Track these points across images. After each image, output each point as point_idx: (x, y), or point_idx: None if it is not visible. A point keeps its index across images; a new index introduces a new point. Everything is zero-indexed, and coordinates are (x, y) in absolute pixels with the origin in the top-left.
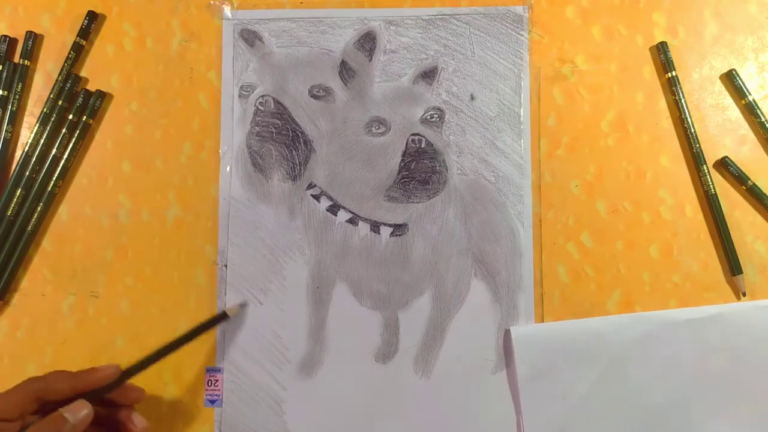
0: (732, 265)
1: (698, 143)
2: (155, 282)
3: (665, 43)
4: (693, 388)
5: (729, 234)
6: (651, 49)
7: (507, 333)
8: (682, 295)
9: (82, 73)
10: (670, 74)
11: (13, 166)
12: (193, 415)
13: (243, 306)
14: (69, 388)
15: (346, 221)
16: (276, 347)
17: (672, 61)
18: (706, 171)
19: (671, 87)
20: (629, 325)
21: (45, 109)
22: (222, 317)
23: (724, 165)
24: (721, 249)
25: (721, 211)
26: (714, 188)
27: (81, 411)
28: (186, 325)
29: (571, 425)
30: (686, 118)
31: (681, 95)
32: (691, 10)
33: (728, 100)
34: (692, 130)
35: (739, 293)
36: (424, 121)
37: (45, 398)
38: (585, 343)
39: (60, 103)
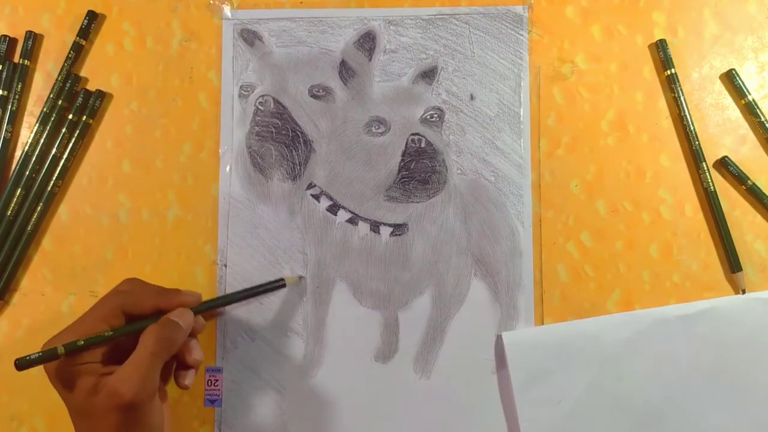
0: (731, 262)
1: (698, 140)
2: (155, 282)
3: (664, 40)
4: (687, 384)
5: (728, 230)
6: (650, 47)
7: (499, 338)
8: (682, 294)
9: (82, 73)
10: (669, 72)
11: (13, 166)
12: (193, 415)
13: (302, 278)
14: (153, 305)
15: (346, 221)
16: (276, 347)
17: (671, 58)
18: (705, 168)
19: (670, 84)
20: (621, 325)
21: (45, 109)
22: (279, 283)
23: (724, 165)
24: (720, 246)
25: (720, 207)
26: (713, 185)
27: (188, 317)
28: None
29: (568, 428)
30: (685, 116)
31: (680, 93)
32: (690, 10)
33: (728, 100)
34: (691, 128)
35: (738, 290)
36: (423, 120)
37: (130, 312)
38: (578, 345)
39: (60, 102)
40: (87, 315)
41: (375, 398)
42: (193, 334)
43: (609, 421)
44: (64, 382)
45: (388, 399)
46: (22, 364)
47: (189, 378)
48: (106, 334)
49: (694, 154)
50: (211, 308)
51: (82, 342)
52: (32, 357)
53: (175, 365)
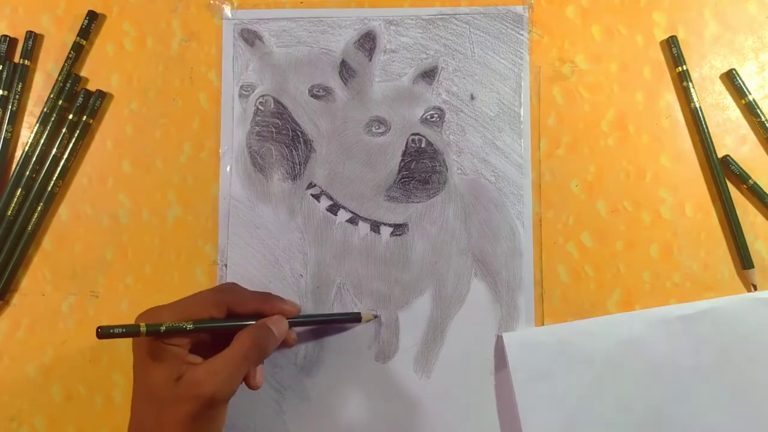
0: (743, 258)
1: (708, 134)
2: (155, 282)
3: (675, 37)
4: (688, 384)
5: (740, 226)
6: (655, 45)
7: (499, 339)
8: (682, 294)
9: (82, 73)
10: (680, 68)
11: (13, 166)
12: None
13: (376, 317)
14: (255, 307)
15: (346, 221)
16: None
17: (683, 54)
18: (715, 161)
19: (682, 82)
20: (622, 325)
21: (45, 109)
22: (356, 318)
23: (725, 164)
24: (725, 245)
25: (732, 203)
26: (725, 180)
27: (283, 326)
28: None
29: (569, 428)
30: (697, 109)
31: (692, 88)
32: (691, 10)
33: (728, 100)
34: (703, 123)
35: (749, 287)
36: (424, 120)
37: (232, 309)
38: (579, 345)
39: (60, 103)
40: (192, 298)
41: (375, 398)
42: (286, 344)
43: (610, 421)
44: (149, 360)
45: (388, 399)
46: (104, 333)
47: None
48: (187, 327)
49: (705, 147)
50: (304, 324)
51: (164, 328)
52: (115, 330)
53: None
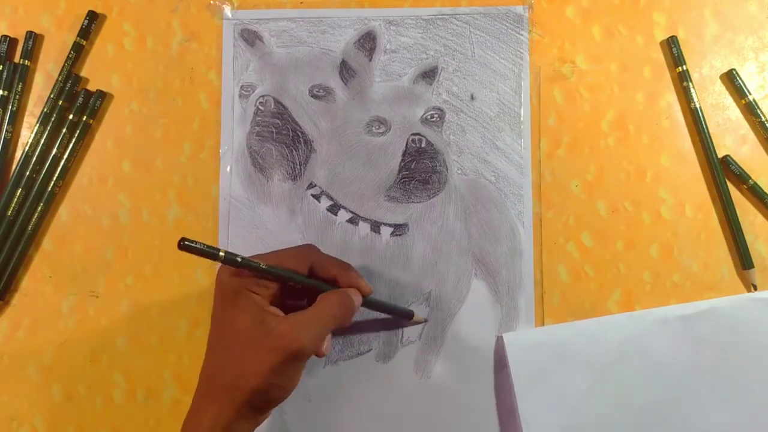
0: (743, 259)
1: (708, 134)
2: (155, 282)
3: (675, 37)
4: (688, 384)
5: (740, 226)
6: (655, 45)
7: (500, 339)
8: (683, 294)
9: (83, 73)
10: (680, 68)
11: (13, 166)
12: None
13: (426, 321)
14: (334, 274)
15: (347, 221)
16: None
17: (683, 54)
18: (715, 161)
19: (682, 82)
20: (622, 325)
21: (45, 109)
22: (409, 315)
23: (725, 164)
24: (725, 245)
25: (732, 203)
26: (725, 180)
27: (359, 299)
28: (186, 326)
29: (569, 428)
30: (697, 109)
31: (692, 88)
32: (691, 10)
33: (728, 100)
34: (703, 123)
35: (749, 287)
36: (424, 120)
37: (314, 268)
38: (579, 345)
39: (60, 103)
40: (282, 250)
41: (375, 398)
42: (318, 353)
43: (610, 421)
44: (232, 304)
45: (388, 399)
46: (185, 245)
47: None
48: (262, 265)
49: (704, 146)
50: (366, 306)
51: (240, 259)
52: (197, 245)
53: None
